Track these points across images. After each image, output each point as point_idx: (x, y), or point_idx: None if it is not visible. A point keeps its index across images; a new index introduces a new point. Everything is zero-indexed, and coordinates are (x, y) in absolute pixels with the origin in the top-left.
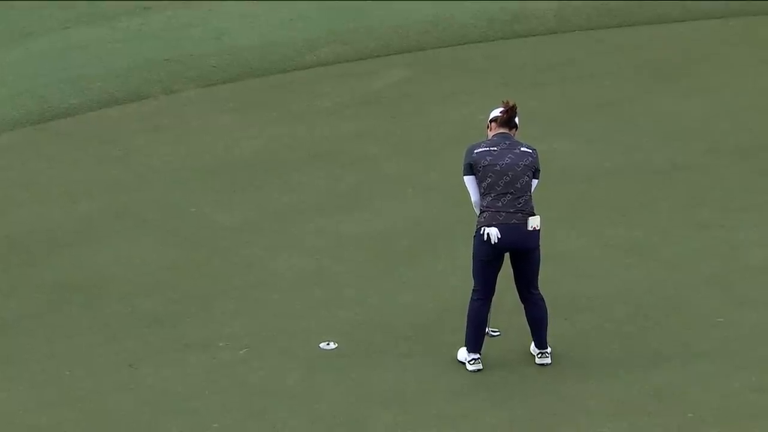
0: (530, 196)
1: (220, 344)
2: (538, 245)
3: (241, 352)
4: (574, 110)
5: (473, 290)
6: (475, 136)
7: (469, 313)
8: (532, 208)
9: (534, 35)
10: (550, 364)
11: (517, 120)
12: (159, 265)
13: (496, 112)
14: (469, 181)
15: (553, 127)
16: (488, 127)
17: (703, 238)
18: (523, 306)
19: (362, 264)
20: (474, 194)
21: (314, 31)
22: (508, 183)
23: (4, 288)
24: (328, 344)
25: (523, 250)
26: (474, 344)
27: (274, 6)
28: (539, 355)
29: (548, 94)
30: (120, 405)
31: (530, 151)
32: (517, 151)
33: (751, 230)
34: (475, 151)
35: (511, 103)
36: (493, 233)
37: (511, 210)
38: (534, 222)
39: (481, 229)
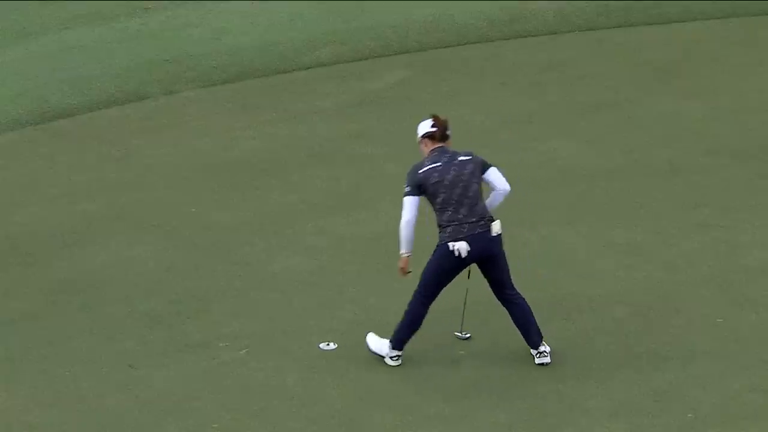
0: (484, 203)
1: (220, 344)
2: (502, 248)
3: (241, 352)
4: (574, 110)
5: (419, 293)
6: (474, 135)
7: (409, 313)
8: (491, 214)
9: (534, 35)
10: (549, 363)
11: (449, 132)
12: (159, 266)
13: (428, 128)
14: (411, 202)
15: (553, 127)
16: (422, 143)
17: (703, 238)
18: (506, 309)
19: (362, 264)
20: (408, 213)
21: (314, 31)
22: (461, 194)
23: (4, 288)
24: (328, 344)
25: (490, 257)
26: (402, 343)
27: (274, 6)
28: (539, 355)
29: (548, 94)
30: (120, 405)
31: (469, 157)
32: (457, 161)
33: (751, 230)
34: (420, 171)
35: (442, 117)
36: (464, 248)
37: (473, 219)
38: (497, 227)
39: (448, 245)
